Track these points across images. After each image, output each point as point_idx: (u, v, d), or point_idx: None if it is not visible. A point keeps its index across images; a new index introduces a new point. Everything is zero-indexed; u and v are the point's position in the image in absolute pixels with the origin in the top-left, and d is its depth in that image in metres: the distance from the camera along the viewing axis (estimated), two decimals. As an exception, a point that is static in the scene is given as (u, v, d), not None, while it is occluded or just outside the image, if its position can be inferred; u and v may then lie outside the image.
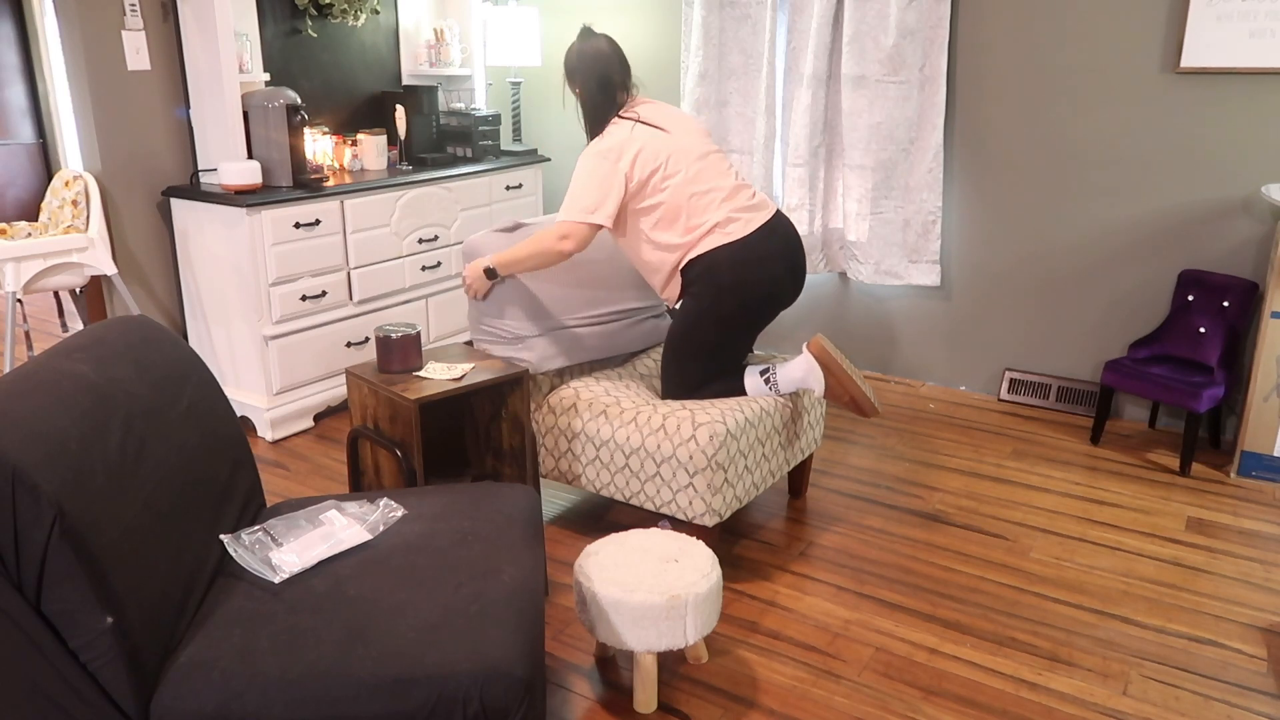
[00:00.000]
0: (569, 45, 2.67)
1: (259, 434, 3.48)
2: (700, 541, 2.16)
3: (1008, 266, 3.79)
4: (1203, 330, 3.33)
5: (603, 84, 2.59)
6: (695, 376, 2.59)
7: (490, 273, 2.63)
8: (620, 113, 2.59)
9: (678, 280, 2.61)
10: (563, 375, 2.80)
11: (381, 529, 1.84)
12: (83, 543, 1.35)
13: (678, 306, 2.68)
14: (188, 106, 3.51)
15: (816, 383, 2.57)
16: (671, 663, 2.22)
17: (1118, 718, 2.06)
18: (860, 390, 2.54)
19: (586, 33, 2.66)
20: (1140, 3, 3.32)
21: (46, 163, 5.66)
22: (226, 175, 3.27)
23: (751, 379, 2.61)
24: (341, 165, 3.85)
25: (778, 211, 2.62)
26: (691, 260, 2.54)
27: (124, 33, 3.33)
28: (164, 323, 3.22)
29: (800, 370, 2.58)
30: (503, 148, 4.38)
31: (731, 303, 2.54)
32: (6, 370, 3.49)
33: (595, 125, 2.60)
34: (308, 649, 1.50)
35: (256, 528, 1.81)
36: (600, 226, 2.52)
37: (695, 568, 2.04)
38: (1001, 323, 3.86)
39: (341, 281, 3.55)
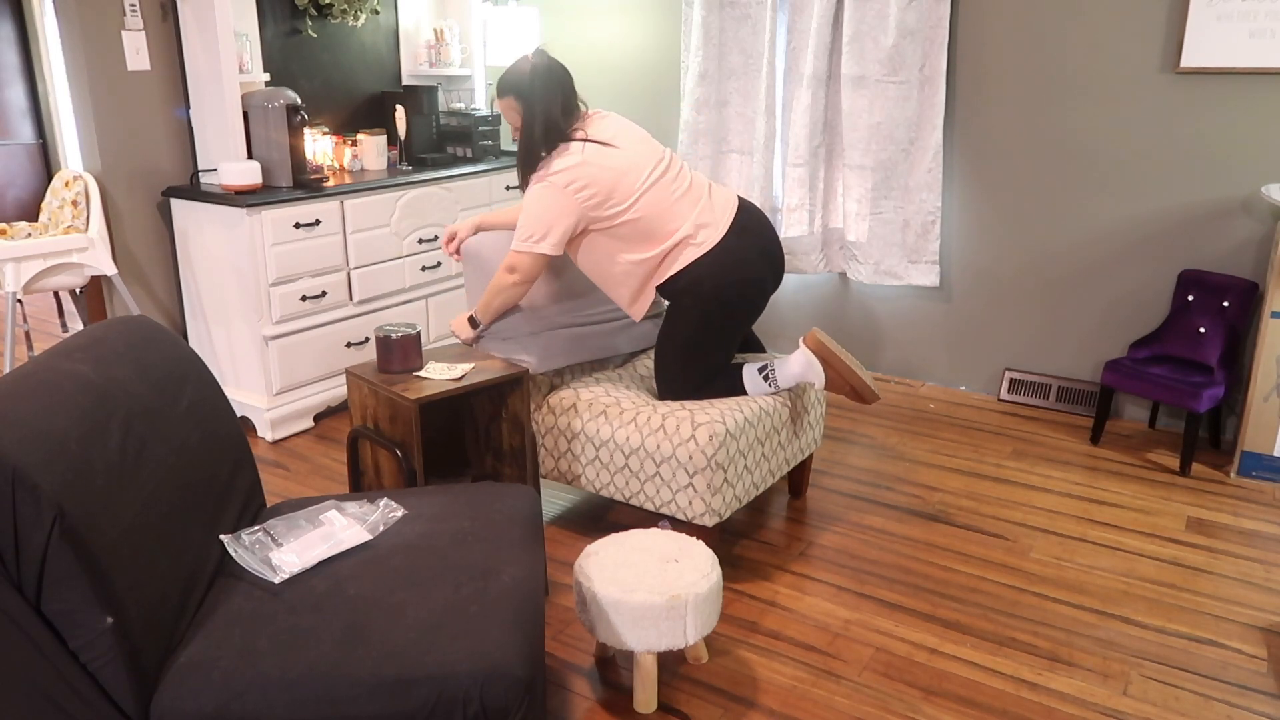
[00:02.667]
0: (516, 66, 2.53)
1: (259, 434, 3.48)
2: (700, 541, 2.16)
3: (1008, 266, 3.79)
4: (1203, 330, 3.33)
5: (566, 106, 2.50)
6: (690, 379, 2.59)
7: (473, 321, 2.67)
8: (570, 133, 2.50)
9: (648, 294, 2.60)
10: (562, 375, 2.80)
11: (381, 529, 1.84)
12: (83, 543, 1.35)
13: (664, 313, 2.68)
14: (188, 106, 3.51)
15: (816, 376, 2.57)
16: (671, 663, 2.22)
17: (1118, 718, 2.06)
18: (860, 379, 2.55)
19: (541, 53, 2.53)
20: (1140, 3, 3.32)
21: (46, 163, 5.66)
22: (226, 175, 3.27)
23: (751, 378, 2.61)
24: (341, 165, 3.85)
25: (740, 204, 2.59)
26: (671, 277, 2.54)
27: (124, 33, 3.33)
28: (164, 323, 3.22)
29: (799, 365, 2.58)
30: (502, 148, 4.38)
31: (716, 307, 2.54)
32: (6, 370, 3.49)
33: (546, 146, 2.49)
34: (308, 649, 1.50)
35: (256, 528, 1.81)
36: (548, 256, 2.50)
37: (695, 568, 2.04)
38: (1001, 323, 3.86)
39: (341, 281, 3.55)
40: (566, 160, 2.45)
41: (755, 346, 2.94)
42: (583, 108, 2.58)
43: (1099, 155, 3.51)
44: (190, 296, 3.57)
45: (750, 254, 2.55)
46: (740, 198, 2.63)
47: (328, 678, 1.46)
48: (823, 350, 2.54)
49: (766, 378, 2.60)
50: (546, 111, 2.48)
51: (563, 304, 2.76)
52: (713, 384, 2.60)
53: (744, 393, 2.61)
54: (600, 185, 2.45)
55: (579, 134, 2.49)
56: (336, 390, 3.63)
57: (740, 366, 2.64)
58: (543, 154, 2.49)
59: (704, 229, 2.51)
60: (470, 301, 2.77)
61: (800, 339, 2.60)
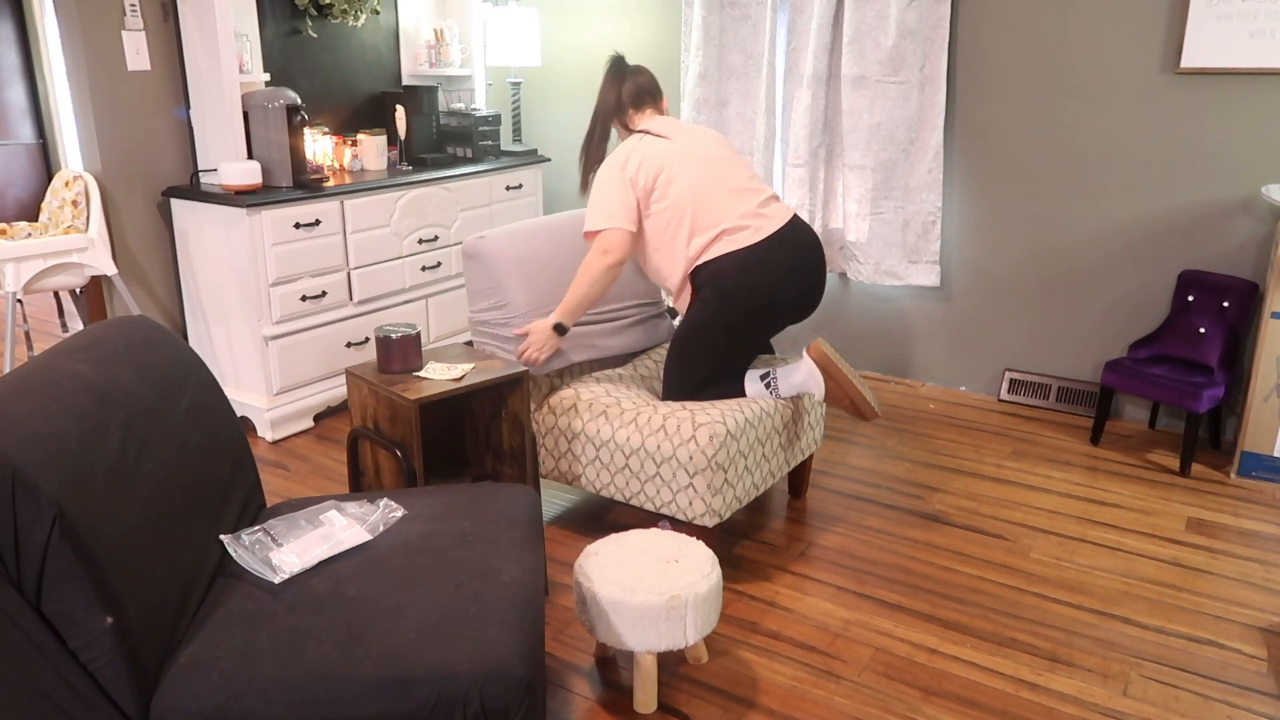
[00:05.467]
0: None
1: (259, 434, 3.48)
2: (700, 542, 2.16)
3: (1008, 266, 3.79)
4: (1203, 330, 3.33)
5: (605, 112, 2.75)
6: (696, 380, 2.59)
7: (560, 328, 2.63)
8: (632, 129, 2.71)
9: (689, 289, 2.62)
10: (563, 375, 2.80)
11: (381, 529, 1.84)
12: (83, 543, 1.35)
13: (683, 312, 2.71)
14: (188, 106, 3.51)
15: (816, 387, 2.57)
16: (671, 663, 2.22)
17: (1118, 718, 2.06)
18: (860, 394, 2.54)
19: (614, 59, 2.79)
20: (1140, 3, 3.32)
21: (46, 163, 5.66)
22: (226, 175, 3.27)
23: (752, 383, 2.61)
24: (341, 165, 3.85)
25: (793, 219, 2.60)
26: (699, 266, 2.55)
27: (124, 33, 3.33)
28: (164, 323, 3.22)
29: (800, 375, 2.58)
30: (503, 148, 4.38)
31: (735, 310, 2.53)
32: (6, 370, 3.49)
33: (592, 151, 2.77)
34: (308, 649, 1.50)
35: (256, 528, 1.81)
36: (627, 231, 2.56)
37: (695, 568, 2.04)
38: (1001, 323, 3.86)
39: (341, 281, 3.55)
40: (625, 149, 2.64)
41: (764, 349, 2.94)
42: (650, 110, 2.74)
43: (1099, 155, 3.51)
44: (190, 296, 3.57)
45: (780, 267, 2.53)
46: (796, 216, 2.63)
47: (328, 678, 1.46)
48: (825, 361, 2.53)
49: (768, 385, 2.60)
50: (603, 115, 2.75)
51: (563, 304, 2.76)
52: (714, 388, 2.60)
53: (742, 388, 2.61)
54: (649, 165, 2.57)
55: (640, 129, 2.68)
56: (336, 390, 3.63)
57: (743, 374, 2.64)
58: (595, 140, 2.75)
59: (744, 230, 2.53)
60: (471, 300, 2.77)
61: (804, 348, 2.58)
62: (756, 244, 2.52)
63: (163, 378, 1.78)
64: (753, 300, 2.52)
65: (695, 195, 2.54)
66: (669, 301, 3.05)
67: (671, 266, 2.60)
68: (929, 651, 2.28)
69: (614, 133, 2.78)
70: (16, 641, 1.36)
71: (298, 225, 3.34)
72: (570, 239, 2.85)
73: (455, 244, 3.99)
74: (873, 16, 3.69)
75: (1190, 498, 3.05)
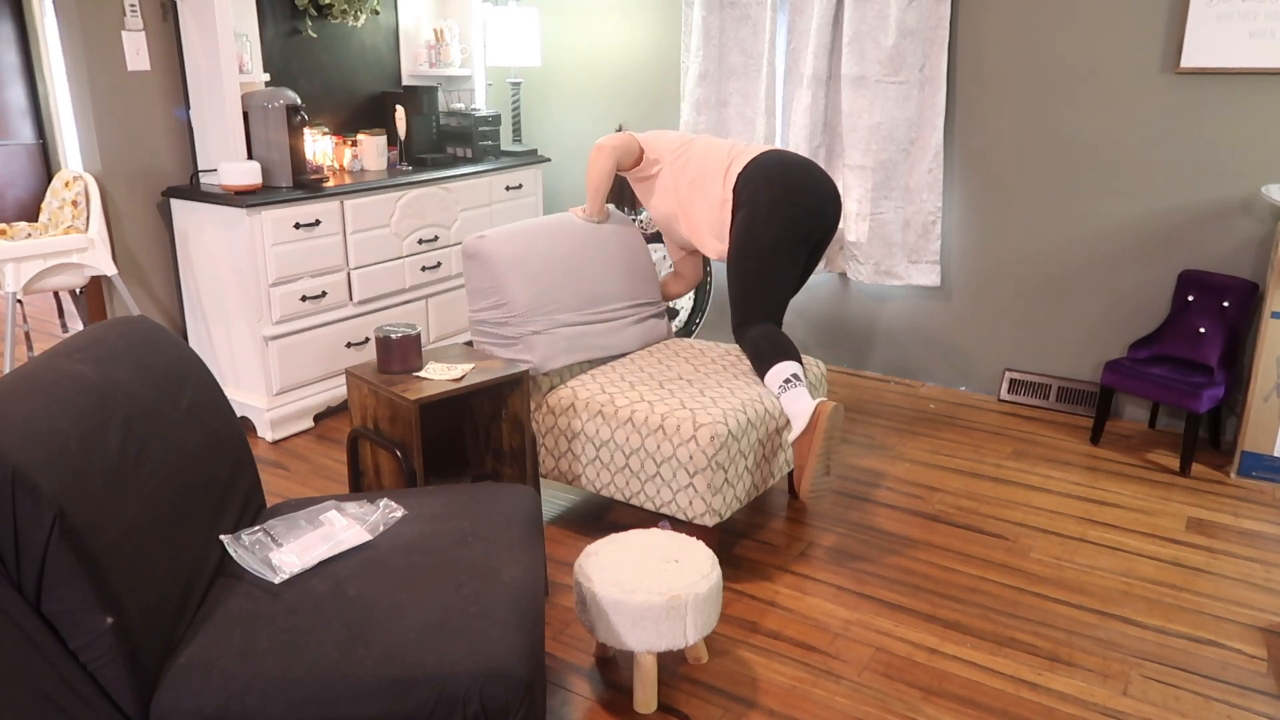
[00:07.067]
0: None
1: (259, 434, 3.48)
2: (700, 541, 2.16)
3: (1008, 267, 3.79)
4: (1203, 330, 3.33)
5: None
6: (754, 292, 2.76)
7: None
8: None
9: (729, 227, 2.84)
10: (562, 375, 2.80)
11: (381, 529, 1.84)
12: (83, 543, 1.35)
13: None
14: (188, 107, 3.51)
15: (797, 429, 2.58)
16: (671, 663, 2.22)
17: (1118, 718, 2.06)
18: (812, 470, 2.55)
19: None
20: (1140, 3, 3.32)
21: (46, 163, 5.66)
22: (226, 175, 3.27)
23: (781, 371, 2.62)
24: (341, 165, 3.85)
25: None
26: (739, 175, 2.81)
27: (124, 33, 3.33)
28: (164, 323, 3.22)
29: (800, 407, 2.59)
30: (503, 148, 4.38)
31: (778, 190, 2.75)
32: (6, 370, 3.49)
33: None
34: (308, 649, 1.50)
35: (256, 528, 1.82)
36: (633, 137, 2.95)
37: (695, 568, 2.04)
38: (1001, 323, 3.86)
39: (341, 282, 3.55)
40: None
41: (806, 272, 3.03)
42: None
43: (1099, 155, 3.51)
44: (190, 296, 3.57)
45: (811, 166, 2.86)
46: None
47: (328, 678, 1.46)
48: (818, 423, 2.54)
49: (787, 383, 2.61)
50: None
51: (565, 302, 2.76)
52: (768, 336, 2.69)
53: (769, 368, 2.64)
54: (667, 134, 3.05)
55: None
56: (336, 390, 3.63)
57: (796, 358, 2.66)
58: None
59: (756, 145, 2.92)
60: (471, 300, 2.78)
61: (821, 399, 2.60)
62: (773, 149, 2.88)
63: (163, 378, 1.78)
64: (794, 184, 2.77)
65: (712, 148, 2.93)
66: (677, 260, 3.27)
67: (710, 206, 2.87)
68: (929, 651, 2.28)
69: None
70: (16, 641, 1.36)
71: (298, 225, 3.34)
72: (570, 239, 2.85)
73: (455, 244, 3.99)
74: (873, 16, 3.69)
75: (1190, 498, 3.05)
